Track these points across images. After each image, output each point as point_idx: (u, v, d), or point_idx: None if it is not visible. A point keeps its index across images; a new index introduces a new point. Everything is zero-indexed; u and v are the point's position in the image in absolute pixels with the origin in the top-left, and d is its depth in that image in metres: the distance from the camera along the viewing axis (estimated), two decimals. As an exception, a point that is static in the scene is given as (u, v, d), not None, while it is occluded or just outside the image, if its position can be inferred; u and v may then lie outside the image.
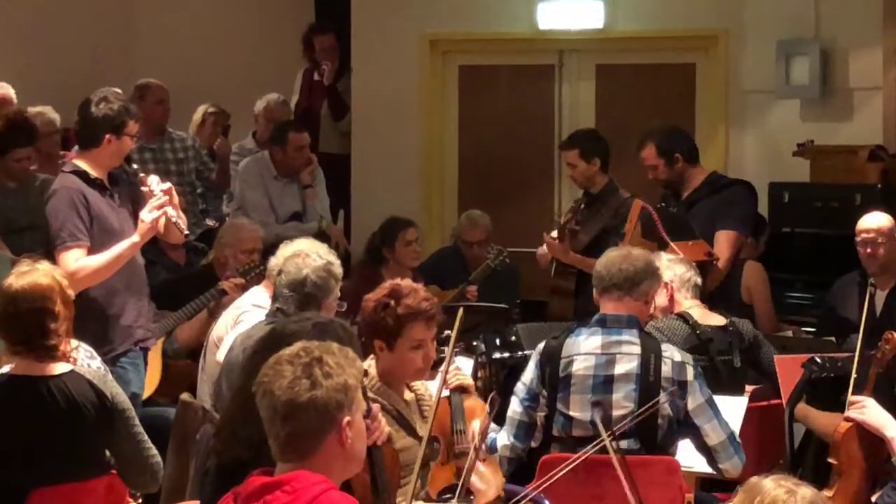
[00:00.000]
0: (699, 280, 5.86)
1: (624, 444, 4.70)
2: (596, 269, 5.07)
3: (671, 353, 4.88)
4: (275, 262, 5.53)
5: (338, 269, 5.14)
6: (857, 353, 5.22)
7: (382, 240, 7.74)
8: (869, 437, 4.91)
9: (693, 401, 4.82)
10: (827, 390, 5.53)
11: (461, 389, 4.62)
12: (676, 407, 4.81)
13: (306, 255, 5.09)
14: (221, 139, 8.81)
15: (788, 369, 5.69)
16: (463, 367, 5.45)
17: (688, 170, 6.54)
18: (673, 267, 5.79)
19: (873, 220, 6.49)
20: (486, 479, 4.47)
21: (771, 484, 2.72)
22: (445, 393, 4.58)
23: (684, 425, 4.85)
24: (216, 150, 8.76)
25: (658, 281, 5.15)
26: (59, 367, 4.41)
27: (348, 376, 2.99)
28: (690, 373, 4.84)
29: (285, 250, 5.34)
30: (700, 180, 6.53)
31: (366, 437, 3.13)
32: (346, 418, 2.98)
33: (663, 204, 6.87)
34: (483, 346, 5.71)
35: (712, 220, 6.38)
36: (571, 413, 4.86)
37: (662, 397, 4.76)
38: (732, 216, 6.44)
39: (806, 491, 2.70)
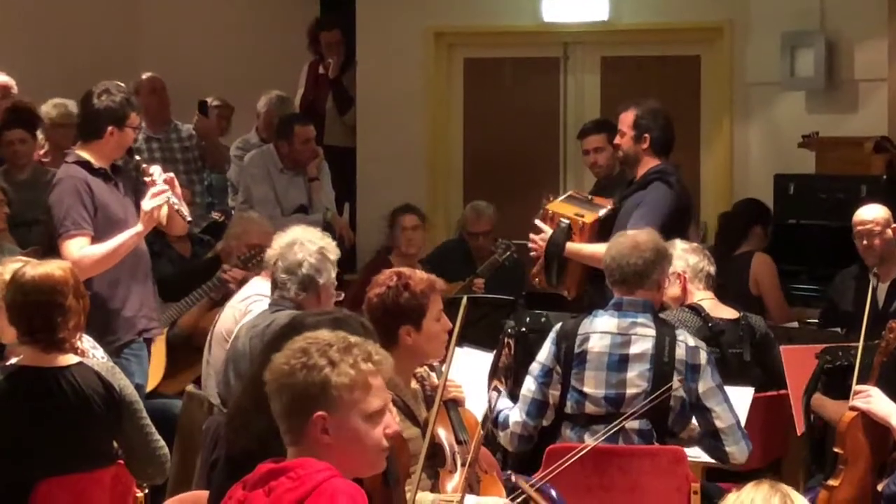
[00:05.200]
0: (712, 270, 5.84)
1: (636, 424, 4.81)
2: (605, 262, 5.11)
3: (685, 338, 4.96)
4: (271, 252, 5.54)
5: (332, 252, 5.15)
6: (860, 344, 5.23)
7: (389, 225, 7.86)
8: (874, 426, 4.92)
9: (704, 384, 4.89)
10: (838, 380, 5.53)
11: (454, 402, 4.60)
12: (689, 389, 4.88)
13: (301, 242, 5.12)
14: (199, 116, 8.69)
15: (796, 360, 5.69)
16: (469, 358, 5.47)
17: (647, 155, 6.29)
18: (685, 256, 5.77)
19: (869, 212, 6.50)
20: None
21: None
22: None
23: (695, 408, 4.91)
24: (194, 129, 8.66)
25: (669, 261, 5.18)
26: (67, 359, 4.42)
27: (338, 375, 2.95)
28: (703, 357, 4.93)
29: (281, 240, 5.36)
30: (643, 172, 6.32)
31: (365, 443, 3.02)
32: (320, 413, 2.95)
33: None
34: (513, 322, 5.73)
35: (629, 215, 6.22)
36: (585, 389, 4.93)
37: (675, 383, 4.80)
38: (641, 216, 6.08)
39: None
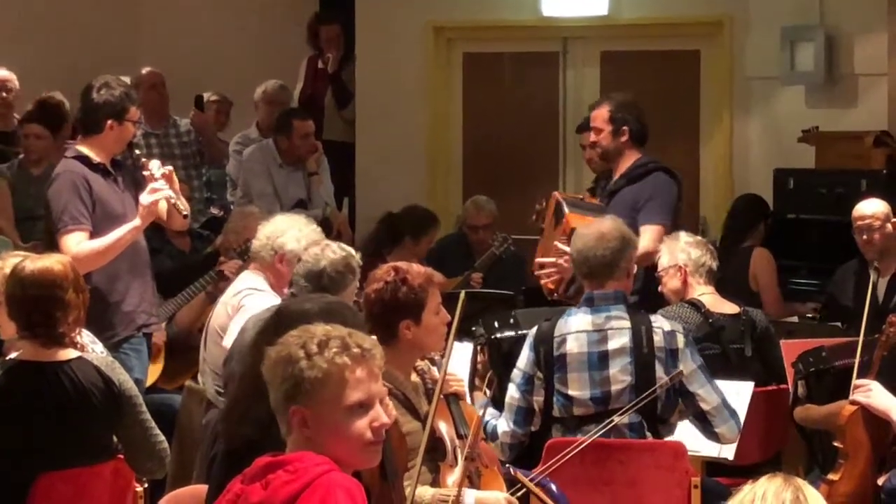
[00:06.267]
0: (714, 265, 5.80)
1: (625, 418, 4.77)
2: (573, 255, 5.08)
3: (660, 323, 4.93)
4: (258, 243, 5.51)
5: (356, 262, 5.07)
6: (860, 338, 5.23)
7: (412, 229, 7.81)
8: (874, 421, 4.93)
9: (685, 368, 4.86)
10: (821, 385, 5.52)
11: (455, 396, 4.59)
12: (671, 375, 4.82)
13: (326, 244, 5.08)
14: (195, 111, 8.70)
15: (796, 355, 5.68)
16: (463, 351, 5.45)
17: (628, 148, 6.25)
18: (688, 250, 5.75)
19: (869, 207, 6.49)
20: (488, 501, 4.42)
21: None
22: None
23: (679, 392, 4.88)
24: (191, 123, 8.66)
25: (634, 247, 5.10)
26: (66, 353, 4.42)
27: (310, 369, 2.93)
28: (681, 340, 4.89)
29: (266, 229, 5.32)
30: (628, 165, 6.28)
31: (347, 435, 2.98)
32: (295, 407, 2.94)
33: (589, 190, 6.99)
34: (482, 329, 5.67)
35: (634, 209, 6.15)
36: (570, 392, 4.89)
37: (664, 380, 4.78)
38: (655, 209, 6.09)
39: None
